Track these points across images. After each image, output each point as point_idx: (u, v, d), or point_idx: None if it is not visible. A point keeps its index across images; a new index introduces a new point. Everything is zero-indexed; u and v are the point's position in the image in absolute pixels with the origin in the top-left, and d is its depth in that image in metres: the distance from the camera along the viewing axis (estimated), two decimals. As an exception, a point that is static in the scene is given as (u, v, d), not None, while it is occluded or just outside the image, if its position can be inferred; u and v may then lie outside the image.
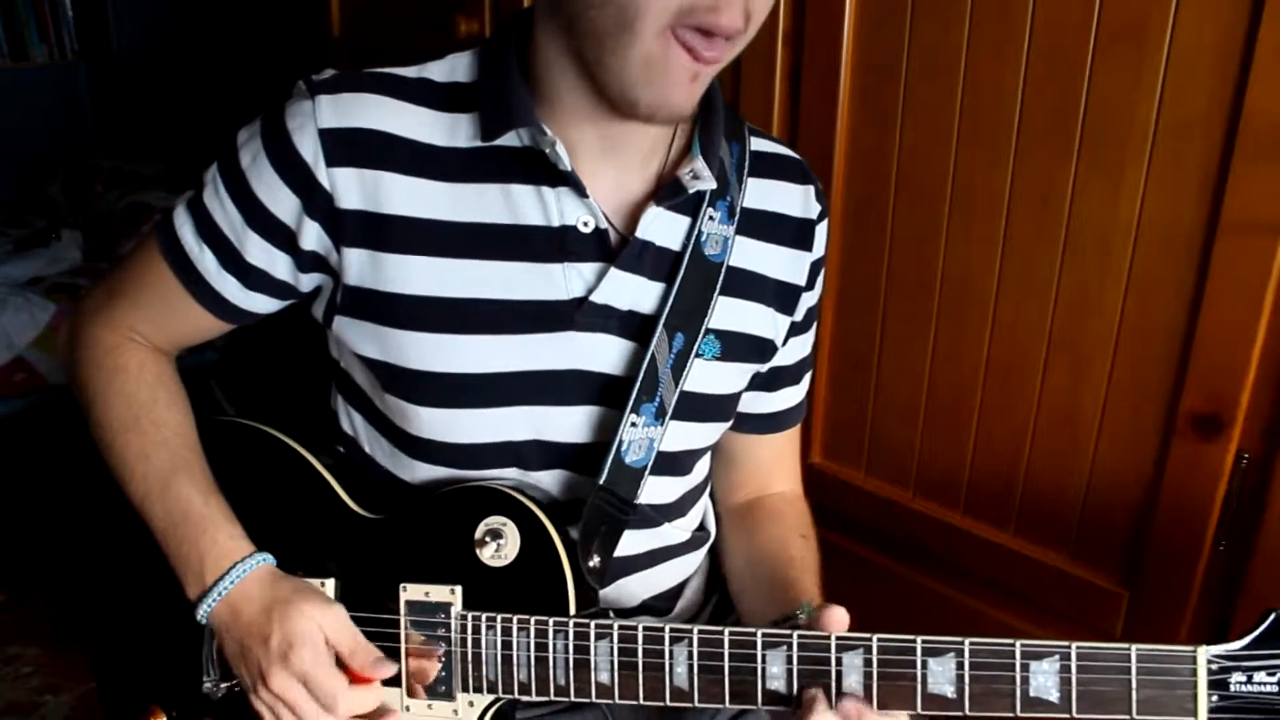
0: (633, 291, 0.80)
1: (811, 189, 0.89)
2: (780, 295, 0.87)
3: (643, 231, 0.79)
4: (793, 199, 0.88)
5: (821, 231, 0.90)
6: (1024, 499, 1.20)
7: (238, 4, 3.20)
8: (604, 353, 0.80)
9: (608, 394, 0.80)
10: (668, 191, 0.78)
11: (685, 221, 0.81)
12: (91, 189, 3.11)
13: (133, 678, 0.92)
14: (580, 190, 0.76)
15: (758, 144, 0.87)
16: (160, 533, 0.81)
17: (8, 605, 1.97)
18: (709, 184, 0.78)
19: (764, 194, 0.86)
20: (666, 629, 0.72)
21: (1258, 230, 0.95)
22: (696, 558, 0.95)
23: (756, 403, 0.92)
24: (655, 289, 0.80)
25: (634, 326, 0.80)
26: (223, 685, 0.83)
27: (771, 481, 0.98)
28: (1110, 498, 1.12)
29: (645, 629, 0.72)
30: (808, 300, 0.90)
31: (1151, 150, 1.01)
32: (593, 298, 0.78)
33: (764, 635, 0.70)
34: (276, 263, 0.79)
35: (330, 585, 0.82)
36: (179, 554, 0.80)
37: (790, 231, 0.87)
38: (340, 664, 0.77)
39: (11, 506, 2.24)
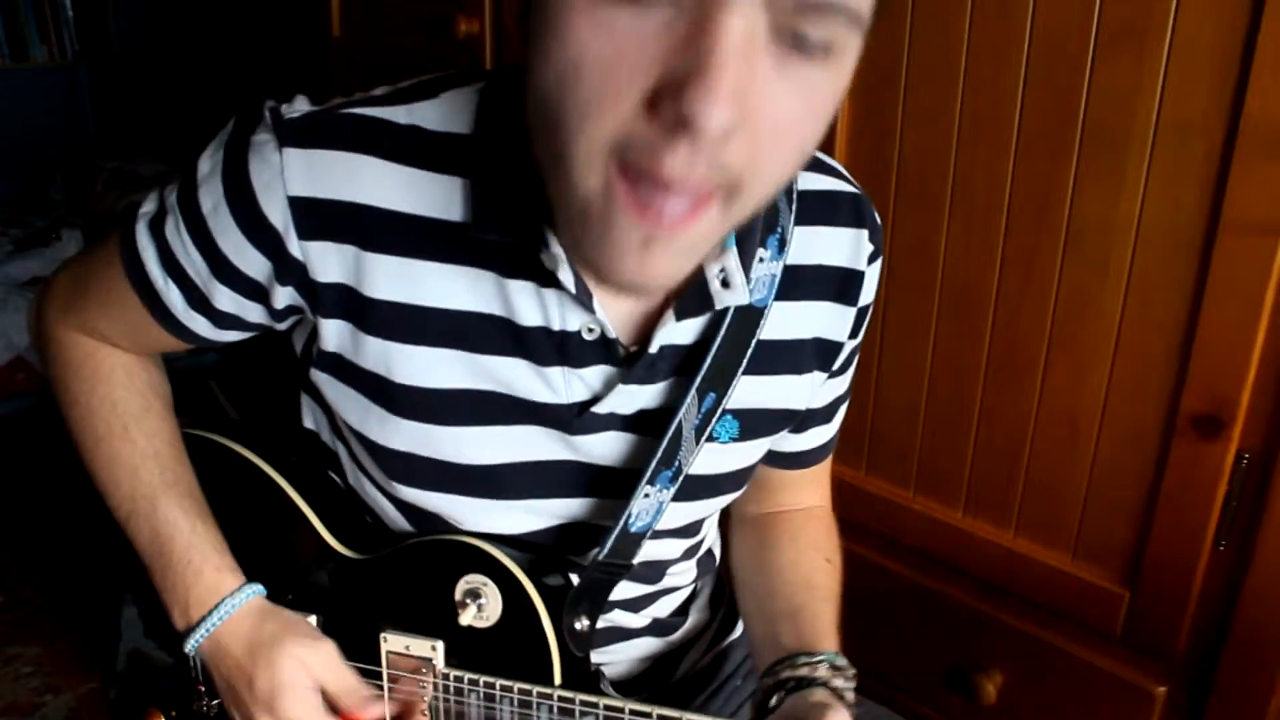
0: (644, 398, 0.71)
1: (865, 233, 0.76)
2: (819, 353, 0.78)
3: (658, 343, 0.68)
4: (839, 246, 0.75)
5: (871, 277, 0.78)
6: (1024, 499, 1.20)
7: (238, 4, 3.20)
8: (607, 449, 0.73)
9: (611, 484, 0.74)
10: (690, 304, 0.67)
11: (707, 317, 0.70)
12: (91, 189, 3.11)
13: (133, 679, 0.91)
14: (586, 304, 0.66)
15: (805, 181, 0.74)
16: (145, 556, 0.77)
17: (8, 605, 1.97)
18: (740, 297, 0.66)
19: (807, 244, 0.74)
20: (654, 714, 0.68)
21: (1258, 230, 0.95)
22: (702, 582, 0.91)
23: (781, 443, 0.83)
24: (666, 385, 0.72)
25: (642, 423, 0.72)
26: (213, 704, 0.82)
27: (796, 499, 0.90)
28: (1110, 498, 1.12)
29: (632, 711, 0.69)
30: (849, 346, 0.80)
31: (1151, 150, 1.01)
32: (596, 409, 0.70)
33: None
34: (248, 310, 0.72)
35: (312, 621, 0.79)
36: (164, 582, 0.76)
37: (834, 284, 0.76)
38: (330, 701, 0.74)
39: (11, 506, 2.24)
